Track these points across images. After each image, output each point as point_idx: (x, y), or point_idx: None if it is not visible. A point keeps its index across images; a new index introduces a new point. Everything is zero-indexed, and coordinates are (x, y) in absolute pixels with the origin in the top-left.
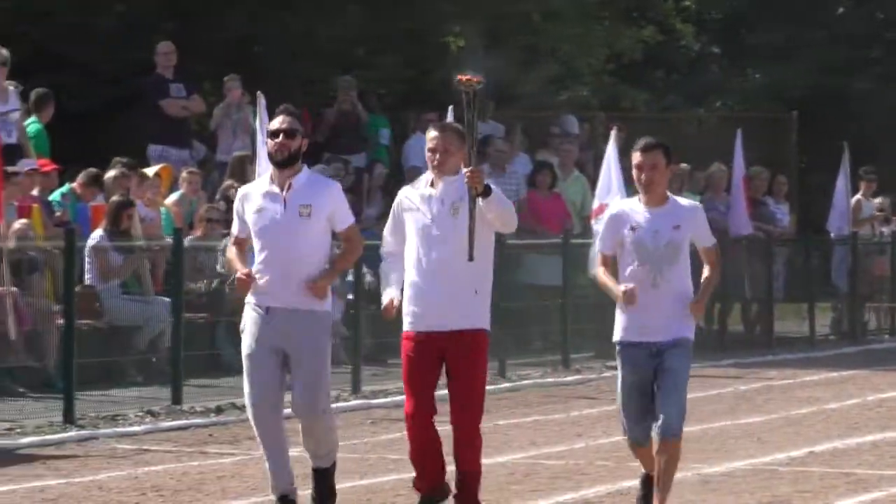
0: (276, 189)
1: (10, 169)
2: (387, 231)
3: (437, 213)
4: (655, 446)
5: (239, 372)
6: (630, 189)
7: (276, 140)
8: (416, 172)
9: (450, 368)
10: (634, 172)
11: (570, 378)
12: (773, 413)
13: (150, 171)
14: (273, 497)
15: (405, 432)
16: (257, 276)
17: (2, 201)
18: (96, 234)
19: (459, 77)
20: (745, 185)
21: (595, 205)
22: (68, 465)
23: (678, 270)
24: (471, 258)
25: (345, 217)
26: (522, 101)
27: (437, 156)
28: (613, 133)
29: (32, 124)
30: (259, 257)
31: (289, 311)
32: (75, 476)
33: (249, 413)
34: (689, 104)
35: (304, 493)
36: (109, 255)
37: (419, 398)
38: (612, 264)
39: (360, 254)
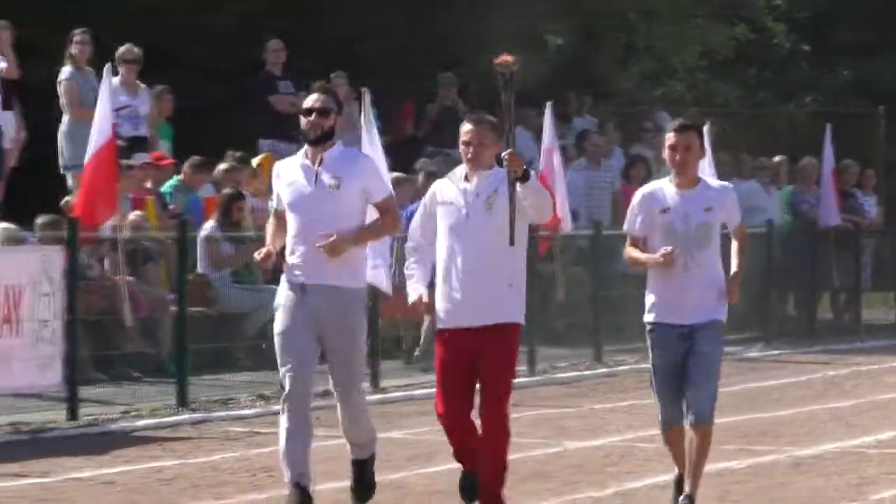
0: (308, 163)
1: (125, 162)
2: (415, 224)
3: (473, 206)
4: (688, 435)
5: None
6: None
7: (309, 118)
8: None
9: (481, 363)
10: (668, 153)
11: None
12: (861, 398)
13: (254, 161)
14: (286, 482)
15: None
16: (290, 251)
17: (118, 194)
18: (208, 226)
19: (496, 59)
20: (835, 178)
21: None
22: (183, 447)
23: (709, 253)
24: (512, 242)
25: (380, 189)
26: (618, 97)
27: (472, 149)
28: (706, 128)
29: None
30: (291, 232)
31: (323, 288)
32: (189, 457)
33: (286, 387)
34: (779, 100)
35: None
36: (221, 245)
37: (452, 398)
38: (641, 247)
39: (397, 228)
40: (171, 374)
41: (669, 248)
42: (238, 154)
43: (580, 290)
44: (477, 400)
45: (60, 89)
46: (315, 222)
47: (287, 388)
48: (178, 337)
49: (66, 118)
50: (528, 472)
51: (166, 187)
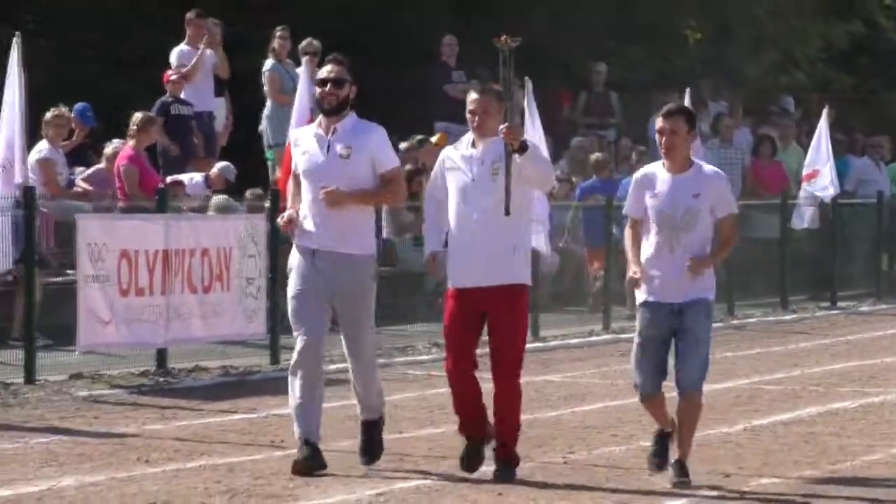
0: (321, 132)
1: None
2: (430, 187)
3: (478, 172)
4: (678, 404)
5: None
6: (838, 159)
7: (325, 89)
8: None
9: (490, 324)
10: (657, 137)
11: (787, 317)
12: None
13: (433, 139)
14: (297, 438)
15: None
16: (303, 216)
17: None
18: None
19: (496, 37)
20: None
21: (806, 171)
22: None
23: (696, 236)
24: (507, 212)
25: (387, 160)
26: (748, 84)
27: (477, 118)
28: (825, 112)
29: None
30: (305, 198)
31: (333, 255)
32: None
33: (297, 349)
34: (888, 88)
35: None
36: (403, 214)
37: (459, 353)
38: (638, 228)
39: (398, 199)
40: None
41: (637, 277)
42: (419, 137)
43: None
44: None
45: (264, 78)
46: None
47: (297, 352)
48: None
49: (269, 103)
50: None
51: None
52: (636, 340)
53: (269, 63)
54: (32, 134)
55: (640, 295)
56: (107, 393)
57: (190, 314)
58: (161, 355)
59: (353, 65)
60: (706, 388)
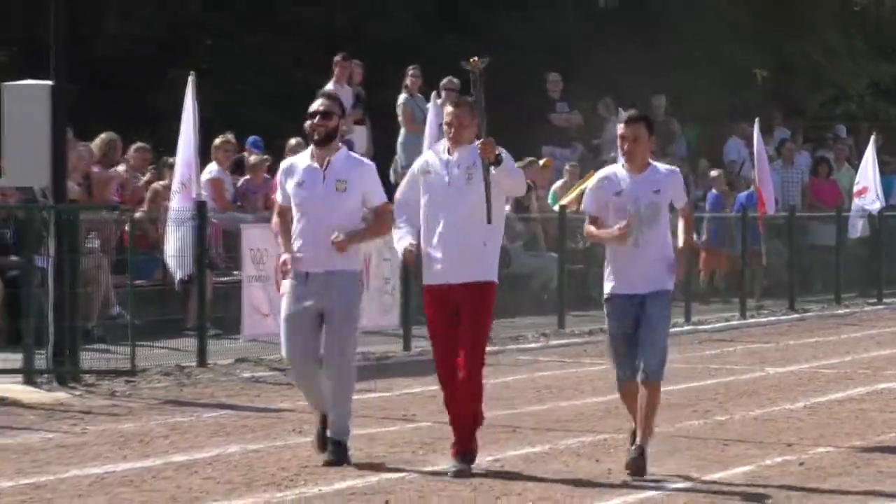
0: (316, 165)
1: None
2: (403, 189)
3: (454, 176)
4: (640, 391)
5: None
6: (884, 178)
7: (314, 120)
8: (734, 168)
9: (460, 316)
10: (619, 142)
11: (840, 311)
12: None
13: (540, 162)
14: (316, 420)
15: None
16: (295, 243)
17: None
18: (507, 209)
19: (465, 61)
20: None
21: (856, 188)
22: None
23: (658, 230)
24: (489, 220)
25: (377, 195)
26: (807, 114)
27: (453, 129)
28: (872, 137)
29: None
30: (298, 225)
31: (325, 274)
32: (490, 378)
33: (291, 368)
34: None
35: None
36: (515, 223)
37: (444, 351)
38: (598, 226)
39: (388, 233)
40: None
41: (624, 223)
42: (528, 159)
43: (779, 257)
44: None
45: (398, 110)
46: (320, 220)
47: (292, 369)
48: None
49: (402, 132)
50: (739, 390)
51: None
52: (608, 333)
53: (402, 97)
54: (204, 157)
55: (608, 289)
56: (266, 374)
57: None
58: None
59: (487, 92)
60: (773, 370)
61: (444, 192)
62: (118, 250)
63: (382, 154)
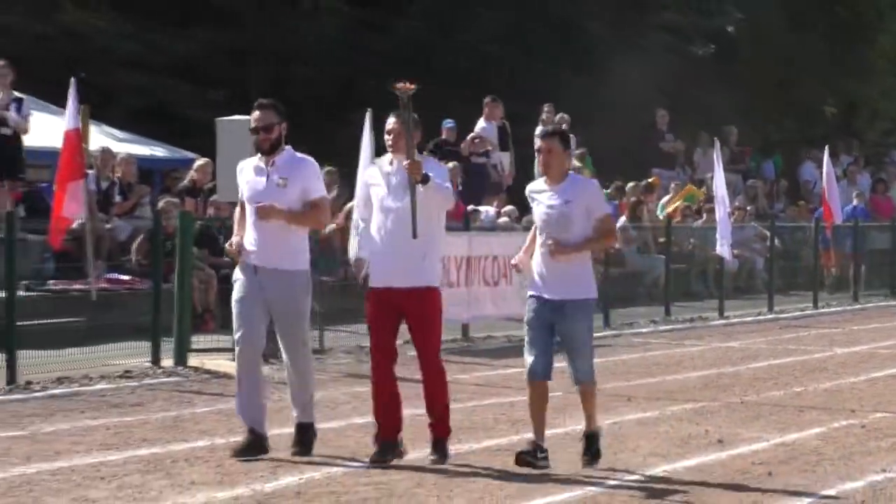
0: (262, 164)
1: None
2: (358, 202)
3: (394, 187)
4: (579, 393)
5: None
6: None
7: (258, 136)
8: (808, 186)
9: (408, 322)
10: (536, 155)
11: (895, 302)
12: None
13: (650, 180)
14: (243, 430)
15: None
16: (247, 237)
17: None
18: (622, 219)
19: (396, 85)
20: None
21: None
22: (603, 351)
23: (571, 239)
24: (415, 235)
25: (315, 190)
26: (867, 142)
27: (392, 137)
28: None
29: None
30: (249, 220)
31: (271, 271)
32: (609, 356)
33: (237, 348)
34: None
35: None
36: (629, 231)
37: (378, 345)
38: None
39: (321, 224)
40: (599, 307)
41: (516, 262)
42: (644, 182)
43: (846, 259)
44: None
45: (535, 141)
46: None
47: (238, 349)
48: (605, 281)
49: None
50: (812, 367)
51: None
52: (525, 329)
53: (539, 130)
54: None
55: (529, 290)
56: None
57: (485, 299)
58: (464, 328)
59: (587, 131)
60: (840, 350)
61: (385, 201)
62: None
63: (522, 175)
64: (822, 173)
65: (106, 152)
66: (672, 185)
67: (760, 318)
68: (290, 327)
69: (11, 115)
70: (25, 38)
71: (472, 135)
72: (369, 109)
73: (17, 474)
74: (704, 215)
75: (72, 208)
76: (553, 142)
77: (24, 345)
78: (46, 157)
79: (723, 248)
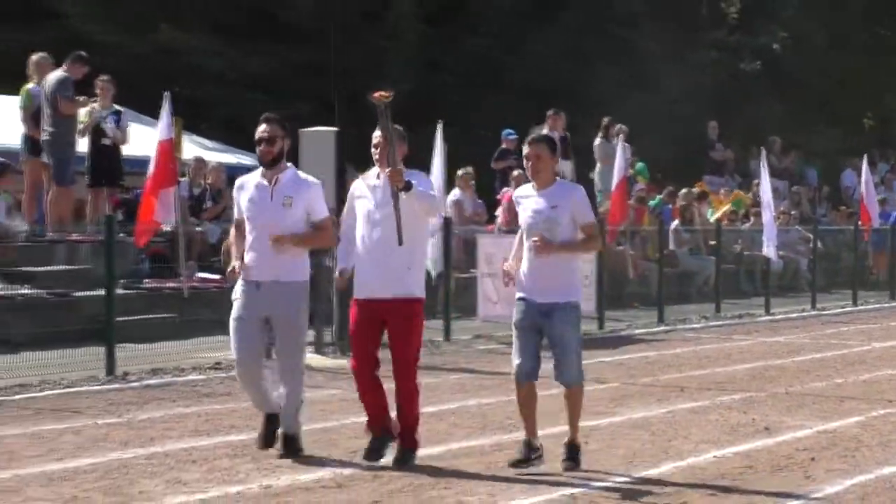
0: (265, 182)
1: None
2: (344, 214)
3: (380, 200)
4: (564, 396)
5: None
6: None
7: (260, 147)
8: (848, 192)
9: (389, 332)
10: (525, 161)
11: None
12: None
13: (697, 187)
14: (261, 421)
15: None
16: (248, 254)
17: (623, 213)
18: (675, 223)
19: (373, 94)
20: None
21: None
22: (658, 344)
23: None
24: (400, 243)
25: (319, 211)
26: None
27: (378, 150)
28: None
29: (639, 163)
30: (250, 238)
31: (273, 283)
32: (664, 350)
33: (236, 366)
34: None
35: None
36: (681, 234)
37: (360, 355)
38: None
39: (328, 243)
40: (654, 303)
41: (506, 268)
42: (695, 190)
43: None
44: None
45: (595, 150)
46: (269, 232)
47: (236, 370)
48: (659, 280)
49: (598, 166)
50: (850, 360)
51: (656, 202)
52: (513, 332)
53: (598, 140)
54: (449, 184)
55: (517, 292)
56: (496, 347)
57: None
58: None
59: (643, 141)
60: (878, 345)
61: (370, 212)
62: None
63: (583, 181)
64: (861, 180)
65: (198, 161)
66: (721, 192)
67: (804, 314)
68: (286, 338)
69: (109, 126)
70: (125, 56)
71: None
72: (440, 121)
73: (115, 458)
74: (752, 219)
75: (163, 213)
76: (541, 148)
77: (121, 339)
78: (143, 165)
79: (769, 250)
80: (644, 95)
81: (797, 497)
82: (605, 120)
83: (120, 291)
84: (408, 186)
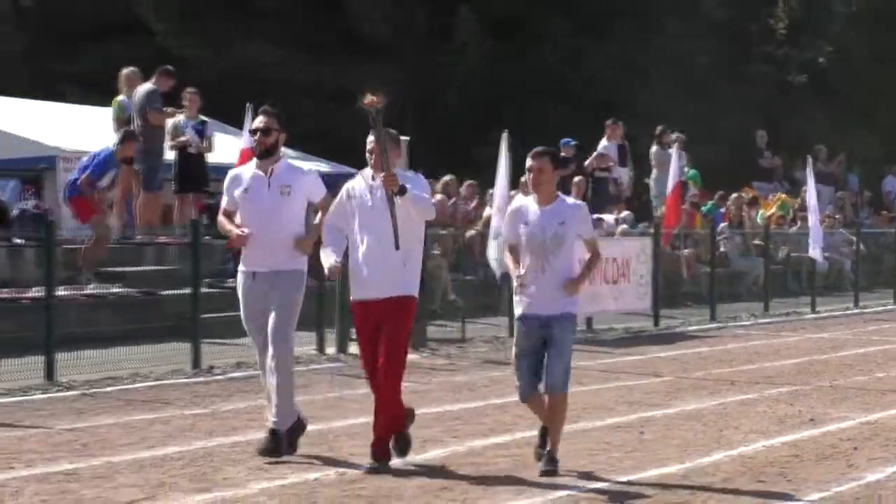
0: (261, 173)
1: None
2: (331, 212)
3: (376, 200)
4: (547, 403)
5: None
6: None
7: (255, 137)
8: (889, 197)
9: (381, 327)
10: (527, 175)
11: None
12: None
13: (747, 191)
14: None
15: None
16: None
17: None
18: (723, 226)
19: (364, 101)
20: None
21: None
22: (711, 340)
23: (563, 258)
24: (397, 247)
25: (317, 193)
26: None
27: (374, 156)
28: None
29: (691, 170)
30: (247, 230)
31: (271, 273)
32: (715, 346)
33: (258, 356)
34: None
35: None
36: (735, 237)
37: (368, 363)
38: (516, 250)
39: None
40: (706, 302)
41: (522, 273)
42: (745, 195)
43: None
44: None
45: (651, 157)
46: (269, 222)
47: (259, 357)
48: (711, 283)
49: (654, 172)
50: (891, 355)
51: (708, 207)
52: (514, 350)
53: (654, 148)
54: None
55: (518, 310)
56: None
57: (606, 296)
58: (589, 321)
59: (697, 147)
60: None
61: (367, 214)
62: (456, 254)
63: (641, 188)
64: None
65: None
66: (769, 197)
67: (847, 312)
68: (277, 324)
69: (189, 135)
70: (211, 70)
71: (595, 153)
72: (506, 130)
73: (200, 447)
74: (799, 223)
75: None
76: (544, 161)
77: (206, 334)
78: (227, 172)
79: (815, 252)
80: (697, 106)
81: (841, 484)
82: (659, 128)
83: (205, 290)
84: (402, 190)
